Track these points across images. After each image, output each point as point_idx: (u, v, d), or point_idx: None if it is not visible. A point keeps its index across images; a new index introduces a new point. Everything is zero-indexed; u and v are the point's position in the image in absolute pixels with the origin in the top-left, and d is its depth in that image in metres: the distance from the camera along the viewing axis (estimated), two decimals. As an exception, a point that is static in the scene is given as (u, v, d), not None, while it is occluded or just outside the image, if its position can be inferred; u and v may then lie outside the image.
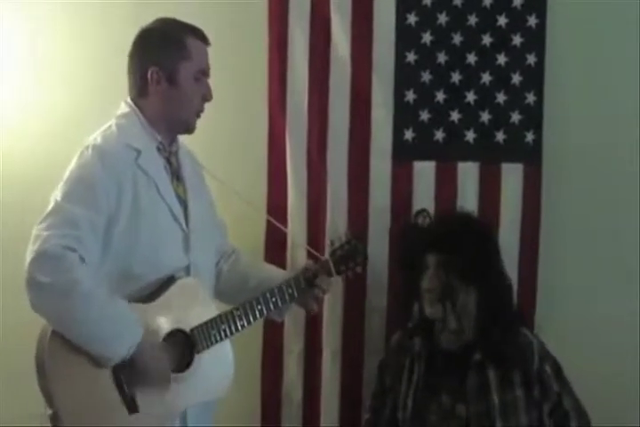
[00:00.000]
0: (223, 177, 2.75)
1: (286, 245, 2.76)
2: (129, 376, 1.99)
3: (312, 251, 2.50)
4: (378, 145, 2.73)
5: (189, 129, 2.21)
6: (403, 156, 2.73)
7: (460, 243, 2.29)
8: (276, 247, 2.76)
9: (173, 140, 2.23)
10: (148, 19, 2.75)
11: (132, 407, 2.00)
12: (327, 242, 2.56)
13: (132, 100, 2.18)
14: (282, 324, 2.70)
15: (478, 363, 2.26)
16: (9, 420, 2.67)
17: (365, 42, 2.72)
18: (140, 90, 2.16)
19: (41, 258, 1.90)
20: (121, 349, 1.96)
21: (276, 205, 2.77)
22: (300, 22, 2.74)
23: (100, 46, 2.87)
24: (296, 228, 2.75)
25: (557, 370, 2.29)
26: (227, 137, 2.83)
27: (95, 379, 1.97)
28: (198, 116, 2.21)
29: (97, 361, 1.96)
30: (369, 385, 2.63)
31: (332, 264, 2.36)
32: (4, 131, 2.94)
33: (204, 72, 2.20)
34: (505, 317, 2.31)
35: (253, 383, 2.77)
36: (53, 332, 1.94)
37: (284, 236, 2.72)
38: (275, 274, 2.38)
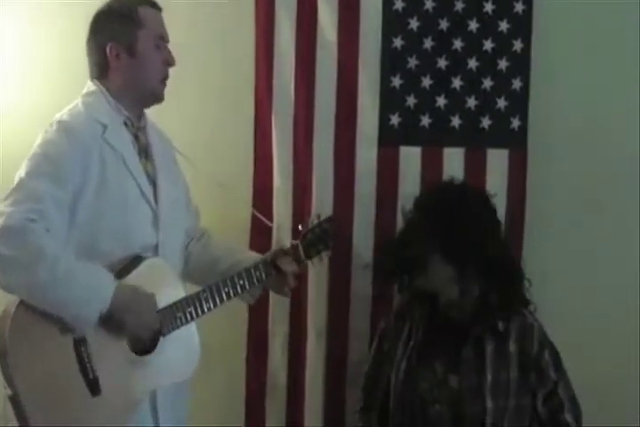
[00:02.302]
0: (210, 162, 2.78)
1: (272, 235, 2.75)
2: (95, 352, 1.96)
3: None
4: (364, 130, 2.73)
5: (157, 98, 2.20)
6: (389, 141, 2.73)
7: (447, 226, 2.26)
8: (261, 234, 2.75)
9: (141, 115, 2.22)
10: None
11: (94, 389, 1.96)
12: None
13: (96, 79, 2.17)
14: (267, 307, 2.72)
15: (476, 336, 2.25)
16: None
17: (352, 27, 2.71)
18: (101, 68, 2.16)
19: (5, 233, 1.88)
20: (98, 301, 1.94)
21: (262, 190, 2.77)
22: (286, 8, 2.73)
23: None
24: (282, 213, 2.75)
25: (556, 358, 2.28)
26: (213, 122, 2.83)
27: (58, 360, 1.94)
28: (164, 83, 2.20)
29: (74, 324, 1.93)
30: (354, 368, 2.65)
31: (301, 248, 2.36)
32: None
33: (162, 37, 2.20)
34: (507, 290, 2.29)
35: (238, 366, 2.77)
36: (16, 312, 1.91)
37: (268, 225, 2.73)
38: (246, 257, 2.35)
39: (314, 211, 2.71)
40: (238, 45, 2.80)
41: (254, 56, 2.77)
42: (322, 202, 2.74)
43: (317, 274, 2.68)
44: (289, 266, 2.32)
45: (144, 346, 2.07)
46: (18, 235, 1.89)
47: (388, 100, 2.73)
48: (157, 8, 2.21)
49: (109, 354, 2.00)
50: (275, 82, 2.75)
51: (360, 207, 2.75)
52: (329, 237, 2.41)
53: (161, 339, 2.08)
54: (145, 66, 2.16)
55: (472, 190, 2.39)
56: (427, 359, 2.29)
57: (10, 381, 1.89)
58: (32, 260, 1.88)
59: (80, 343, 1.96)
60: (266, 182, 2.77)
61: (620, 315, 2.74)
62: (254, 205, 2.76)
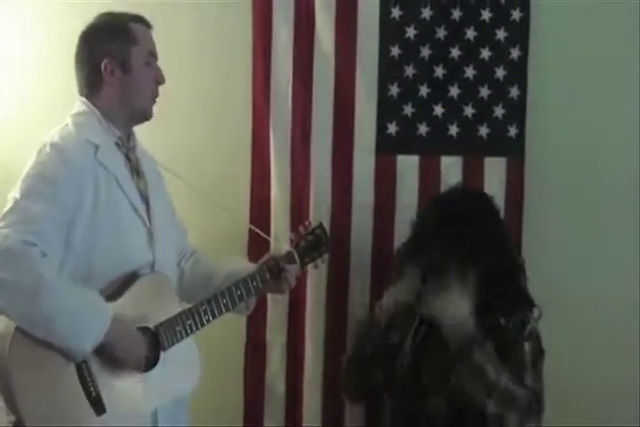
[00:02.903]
0: (206, 171, 2.80)
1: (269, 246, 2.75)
2: (97, 371, 1.96)
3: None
4: (361, 139, 2.74)
5: (147, 116, 2.19)
6: (386, 150, 2.74)
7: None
8: (259, 246, 2.73)
9: (131, 134, 2.21)
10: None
11: (98, 408, 1.95)
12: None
13: (85, 97, 2.15)
14: (264, 316, 2.73)
15: (478, 334, 2.26)
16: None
17: (349, 36, 2.72)
18: (93, 85, 2.13)
19: (2, 257, 1.87)
20: (92, 336, 1.93)
21: (260, 199, 2.78)
22: (284, 17, 2.74)
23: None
24: (279, 221, 2.77)
25: (537, 355, 2.29)
26: (210, 130, 2.84)
27: (60, 381, 1.92)
28: (154, 101, 2.19)
29: (67, 355, 1.92)
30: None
31: (296, 255, 2.34)
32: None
33: (153, 55, 2.19)
34: (503, 297, 2.30)
35: (236, 375, 2.78)
36: (15, 335, 1.88)
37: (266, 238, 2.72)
38: (239, 267, 2.33)
39: (311, 219, 2.72)
40: (235, 54, 2.80)
41: (251, 64, 2.77)
42: (319, 210, 2.75)
43: (315, 282, 2.69)
44: (288, 271, 2.30)
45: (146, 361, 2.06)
46: (16, 259, 1.87)
47: (386, 109, 2.74)
48: (148, 25, 2.20)
49: (111, 370, 1.99)
50: (272, 90, 2.76)
51: (357, 215, 2.76)
52: (322, 244, 2.40)
53: (162, 354, 2.07)
54: (138, 83, 2.14)
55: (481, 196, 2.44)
56: (430, 354, 2.30)
57: (13, 405, 1.87)
58: (30, 289, 1.87)
59: (81, 362, 1.95)
60: (263, 191, 2.78)
61: (619, 319, 2.74)
62: (252, 212, 2.78)
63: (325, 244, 2.40)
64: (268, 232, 2.76)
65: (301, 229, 2.39)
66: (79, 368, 1.94)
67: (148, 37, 2.19)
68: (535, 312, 2.32)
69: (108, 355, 1.97)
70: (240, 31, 2.78)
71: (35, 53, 2.92)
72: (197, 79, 2.79)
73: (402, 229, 2.67)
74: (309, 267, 2.43)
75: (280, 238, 2.74)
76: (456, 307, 2.27)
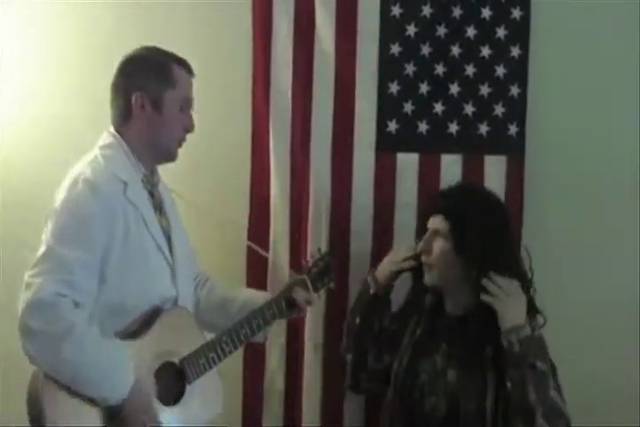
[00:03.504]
0: (207, 169, 2.80)
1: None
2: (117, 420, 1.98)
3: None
4: (361, 137, 2.73)
5: (171, 157, 2.21)
6: (386, 147, 2.73)
7: (464, 213, 2.28)
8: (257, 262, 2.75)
9: (154, 171, 2.22)
10: (134, 17, 2.79)
11: None
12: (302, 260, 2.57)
13: (115, 129, 2.15)
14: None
15: (475, 335, 2.25)
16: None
17: (349, 34, 2.71)
18: (123, 116, 2.14)
19: (34, 307, 1.88)
20: (119, 388, 1.96)
21: (259, 199, 2.76)
22: (284, 15, 2.73)
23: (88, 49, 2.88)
24: (279, 220, 2.75)
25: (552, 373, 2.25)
26: (209, 130, 2.79)
27: (88, 421, 1.95)
28: (180, 145, 2.20)
29: (93, 402, 1.95)
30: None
31: (309, 282, 2.38)
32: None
33: (189, 102, 2.20)
34: None
35: (235, 375, 2.76)
36: (46, 377, 1.92)
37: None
38: (254, 296, 2.38)
39: (311, 218, 2.71)
40: (235, 53, 2.79)
41: (251, 63, 2.76)
42: (319, 208, 2.73)
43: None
44: (303, 299, 2.36)
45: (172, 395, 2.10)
46: (47, 309, 1.88)
47: (386, 107, 2.73)
48: (191, 72, 2.20)
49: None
50: (272, 89, 2.75)
51: (357, 213, 2.74)
52: (332, 269, 2.46)
53: (187, 387, 2.10)
54: (167, 124, 2.15)
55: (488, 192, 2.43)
56: (429, 352, 2.31)
57: None
58: (60, 338, 1.89)
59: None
60: (263, 190, 2.76)
61: (618, 319, 2.73)
62: (251, 211, 2.77)
63: (334, 268, 2.48)
64: (267, 230, 2.76)
65: (312, 255, 2.46)
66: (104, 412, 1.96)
67: (188, 84, 2.20)
68: (540, 319, 2.31)
69: (120, 412, 1.98)
70: (240, 29, 2.77)
71: (35, 53, 2.91)
72: (196, 78, 2.77)
73: (401, 227, 2.68)
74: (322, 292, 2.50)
75: (279, 237, 2.74)
76: None
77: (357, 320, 2.45)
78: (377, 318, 2.43)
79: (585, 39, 2.71)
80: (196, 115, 2.76)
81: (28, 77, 2.91)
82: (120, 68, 2.16)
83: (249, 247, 2.68)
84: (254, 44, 2.76)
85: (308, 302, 2.38)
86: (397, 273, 2.45)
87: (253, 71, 2.76)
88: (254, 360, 2.77)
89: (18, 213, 2.83)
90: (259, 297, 2.36)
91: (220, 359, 2.18)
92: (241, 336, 2.22)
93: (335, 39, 2.72)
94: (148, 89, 2.12)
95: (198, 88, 2.76)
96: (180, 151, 2.72)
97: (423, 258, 2.33)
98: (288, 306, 2.35)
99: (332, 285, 2.49)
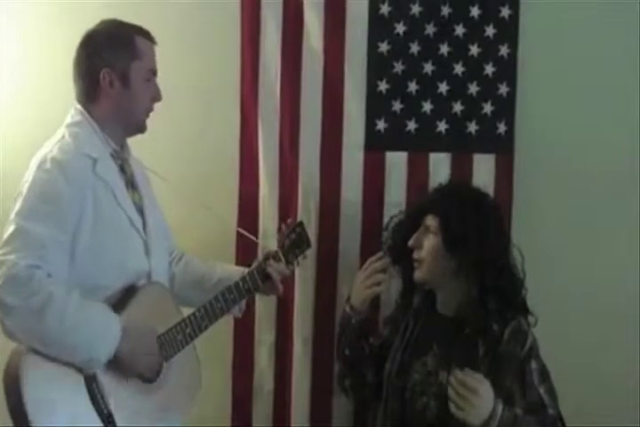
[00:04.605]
0: (195, 168, 2.79)
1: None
2: (108, 389, 1.98)
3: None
4: (350, 135, 2.72)
5: (141, 128, 2.20)
6: (375, 146, 2.73)
7: (452, 209, 2.28)
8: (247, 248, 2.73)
9: (124, 145, 2.22)
10: (134, 16, 2.78)
11: (111, 426, 1.98)
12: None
13: (82, 106, 2.14)
14: (253, 313, 2.72)
15: (470, 336, 2.25)
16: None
17: (338, 32, 2.70)
18: (90, 94, 2.13)
19: (9, 283, 1.87)
20: (105, 347, 1.96)
21: (248, 196, 2.76)
22: (272, 13, 2.72)
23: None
24: (267, 218, 2.75)
25: (543, 371, 2.24)
26: (198, 128, 2.82)
27: (73, 399, 1.95)
28: (147, 115, 2.20)
29: (82, 367, 1.95)
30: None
31: (281, 255, 2.37)
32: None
33: (154, 72, 2.19)
34: (497, 298, 2.28)
35: (224, 372, 2.77)
36: (28, 354, 1.91)
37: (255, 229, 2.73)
38: (231, 270, 2.38)
39: (300, 216, 2.71)
40: (223, 51, 2.78)
41: (240, 62, 2.75)
42: (308, 207, 2.73)
43: (304, 281, 2.68)
44: (276, 272, 2.34)
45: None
46: (23, 284, 1.88)
47: (374, 105, 2.72)
48: (153, 41, 2.19)
49: (120, 386, 2.02)
50: (260, 87, 2.74)
51: (346, 212, 2.74)
52: (303, 241, 2.44)
53: (164, 364, 2.10)
54: (135, 98, 2.14)
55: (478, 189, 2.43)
56: (420, 352, 2.31)
57: (25, 423, 1.87)
58: (37, 308, 1.88)
59: (91, 380, 1.97)
60: (251, 188, 2.76)
61: (614, 317, 2.74)
62: (240, 209, 2.77)
63: (306, 241, 2.45)
64: (256, 229, 2.75)
65: (283, 228, 2.43)
66: (89, 387, 1.96)
67: (152, 53, 2.19)
68: (530, 320, 2.31)
69: (124, 364, 2.00)
70: (228, 28, 2.76)
71: (34, 54, 2.90)
72: (184, 77, 2.77)
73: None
74: (296, 265, 2.46)
75: (268, 235, 2.73)
76: None
77: (347, 352, 2.45)
78: (365, 341, 2.44)
79: (573, 38, 2.72)
80: (184, 114, 2.80)
81: (28, 78, 2.90)
82: (82, 46, 2.14)
83: (238, 233, 2.66)
84: (243, 44, 2.75)
85: (282, 275, 2.37)
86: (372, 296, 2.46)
87: (242, 70, 2.75)
88: (243, 360, 2.77)
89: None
90: (235, 272, 2.35)
91: (196, 335, 2.17)
92: (216, 311, 2.21)
93: (324, 38, 2.71)
94: (115, 65, 2.11)
95: (187, 87, 2.79)
96: (169, 149, 2.75)
97: (414, 254, 2.33)
98: (262, 279, 2.33)
99: (302, 257, 2.46)
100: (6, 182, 2.84)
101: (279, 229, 2.46)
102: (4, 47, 2.91)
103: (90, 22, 2.79)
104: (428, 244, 2.30)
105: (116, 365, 1.99)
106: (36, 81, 2.89)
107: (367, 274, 2.45)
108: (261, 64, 2.74)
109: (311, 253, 2.65)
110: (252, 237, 2.54)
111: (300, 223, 2.48)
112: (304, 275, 2.69)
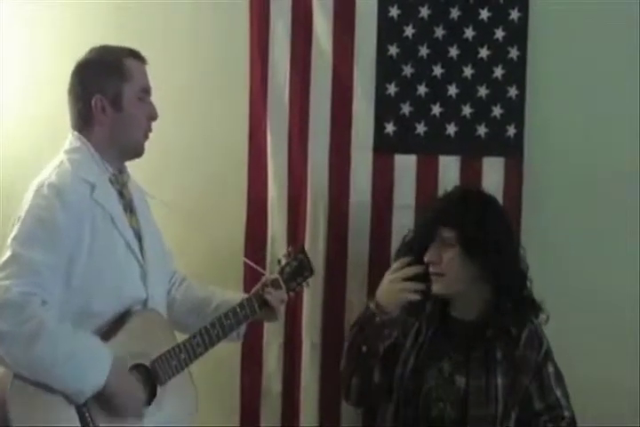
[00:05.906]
0: (204, 172, 2.80)
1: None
2: (97, 414, 1.97)
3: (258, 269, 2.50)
4: (359, 138, 2.72)
5: (139, 152, 2.19)
6: (384, 149, 2.73)
7: (467, 219, 2.28)
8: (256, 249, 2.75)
9: (123, 170, 2.21)
10: (134, 17, 2.79)
11: None
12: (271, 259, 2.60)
13: (78, 132, 2.14)
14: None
15: (487, 340, 2.26)
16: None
17: (347, 35, 2.71)
18: (85, 121, 2.13)
19: (2, 308, 1.87)
20: (93, 380, 1.95)
21: (257, 199, 2.76)
22: (281, 16, 2.73)
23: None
24: (276, 221, 2.76)
25: (558, 374, 2.29)
26: (207, 131, 2.83)
27: (61, 422, 1.93)
28: (146, 137, 2.19)
29: (69, 398, 1.93)
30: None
31: (282, 282, 2.37)
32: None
33: (147, 90, 2.18)
34: (511, 298, 2.29)
35: (233, 376, 2.77)
36: (14, 380, 1.90)
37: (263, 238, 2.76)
38: (230, 296, 2.37)
39: (309, 219, 2.71)
40: (232, 51, 2.79)
41: (248, 63, 2.76)
42: (317, 210, 2.73)
43: (312, 285, 2.67)
44: (275, 299, 2.33)
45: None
46: (18, 310, 1.88)
47: (384, 108, 2.72)
48: (142, 60, 2.18)
49: (111, 415, 2.00)
50: (269, 90, 2.74)
51: (355, 215, 2.74)
52: (305, 268, 2.44)
53: (159, 388, 2.09)
54: (129, 119, 2.13)
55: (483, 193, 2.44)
56: (434, 358, 2.30)
57: None
58: (29, 335, 1.88)
59: (82, 406, 1.96)
60: (260, 191, 2.76)
61: (618, 318, 2.72)
62: (249, 212, 2.77)
63: (309, 268, 2.45)
64: (265, 232, 2.76)
65: (285, 255, 2.43)
66: (80, 412, 1.95)
67: (142, 73, 2.17)
68: (542, 317, 2.32)
69: (107, 401, 1.98)
70: (237, 28, 2.77)
71: (34, 53, 2.91)
72: (193, 77, 2.78)
73: (399, 229, 2.66)
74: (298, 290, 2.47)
75: (277, 239, 2.75)
76: None
77: (364, 349, 2.39)
78: (382, 342, 2.39)
79: (583, 40, 2.70)
80: (193, 116, 2.81)
81: (28, 78, 2.91)
82: (74, 74, 2.15)
83: (246, 264, 2.65)
84: (251, 45, 2.75)
85: (282, 302, 2.36)
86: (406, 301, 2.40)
87: (250, 71, 2.76)
88: (252, 361, 2.78)
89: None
90: (234, 298, 2.34)
91: (191, 360, 2.16)
92: (213, 337, 2.20)
93: (333, 40, 2.72)
94: (106, 90, 2.11)
95: (195, 90, 2.80)
96: (177, 151, 2.75)
97: (431, 268, 2.31)
98: (260, 306, 2.32)
99: (306, 284, 2.46)
100: (6, 183, 2.86)
101: (286, 253, 2.45)
102: (14, 51, 2.92)
103: (99, 24, 2.85)
104: (447, 257, 2.29)
105: (99, 400, 1.98)
106: (36, 80, 2.91)
107: (400, 275, 2.36)
108: (270, 67, 2.74)
109: (320, 256, 2.67)
110: (259, 269, 2.52)
111: (303, 250, 2.48)
112: (313, 277, 2.67)
